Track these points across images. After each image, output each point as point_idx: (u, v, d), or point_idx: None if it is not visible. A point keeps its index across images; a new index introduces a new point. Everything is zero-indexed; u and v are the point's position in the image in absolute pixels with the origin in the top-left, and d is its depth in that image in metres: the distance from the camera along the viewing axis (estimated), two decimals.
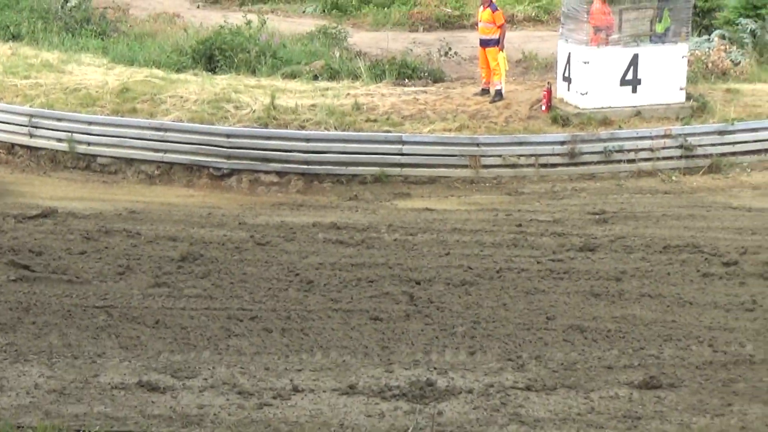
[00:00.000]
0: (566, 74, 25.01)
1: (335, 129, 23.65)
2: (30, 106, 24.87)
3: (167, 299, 16.02)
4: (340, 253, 18.27)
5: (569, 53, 24.86)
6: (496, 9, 25.27)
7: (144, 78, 26.08)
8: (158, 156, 23.41)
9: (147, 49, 29.22)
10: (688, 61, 25.42)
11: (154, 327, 14.97)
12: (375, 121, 24.04)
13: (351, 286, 16.62)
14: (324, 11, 36.52)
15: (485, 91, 25.41)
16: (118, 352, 14.17)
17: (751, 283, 16.84)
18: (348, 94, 25.45)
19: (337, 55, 28.79)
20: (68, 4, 32.57)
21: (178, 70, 27.36)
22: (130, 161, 23.62)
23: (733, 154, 23.99)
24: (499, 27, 24.96)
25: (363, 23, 35.03)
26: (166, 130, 23.45)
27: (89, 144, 23.86)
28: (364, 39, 31.79)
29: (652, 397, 12.99)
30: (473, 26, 29.85)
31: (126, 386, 13.13)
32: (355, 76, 27.02)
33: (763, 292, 16.43)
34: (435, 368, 13.67)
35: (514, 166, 23.18)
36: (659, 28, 24.98)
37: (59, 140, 23.94)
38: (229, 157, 23.10)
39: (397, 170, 23.03)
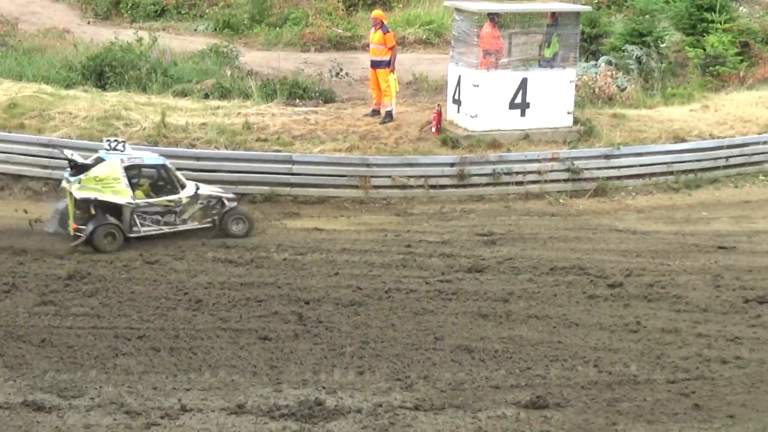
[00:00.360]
0: (456, 97, 25.22)
1: (225, 148, 23.54)
2: None
3: (54, 318, 15.84)
4: (229, 273, 18.23)
5: (459, 76, 25.07)
6: (388, 31, 25.39)
7: (32, 93, 25.65)
8: (46, 172, 23.04)
9: (36, 65, 28.76)
10: (576, 85, 25.81)
11: (40, 346, 14.80)
12: (265, 140, 23.97)
13: (240, 305, 16.59)
14: (216, 30, 36.28)
15: (376, 112, 25.50)
16: (2, 371, 13.98)
17: (635, 305, 17.18)
18: (239, 113, 25.34)
19: (229, 73, 28.67)
20: None
21: (68, 86, 26.98)
22: (17, 177, 23.21)
23: (619, 177, 24.41)
24: (390, 49, 25.08)
25: (255, 42, 34.89)
26: (54, 146, 23.11)
27: None
28: (255, 58, 31.70)
29: (539, 417, 13.17)
30: (365, 47, 29.92)
31: (11, 406, 12.96)
32: (246, 95, 26.91)
33: (647, 313, 16.77)
34: (324, 388, 13.73)
35: (403, 187, 23.28)
36: (548, 53, 25.35)
37: None
38: None
39: (287, 190, 22.97)
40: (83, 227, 19.62)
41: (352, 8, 37.12)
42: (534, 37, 25.55)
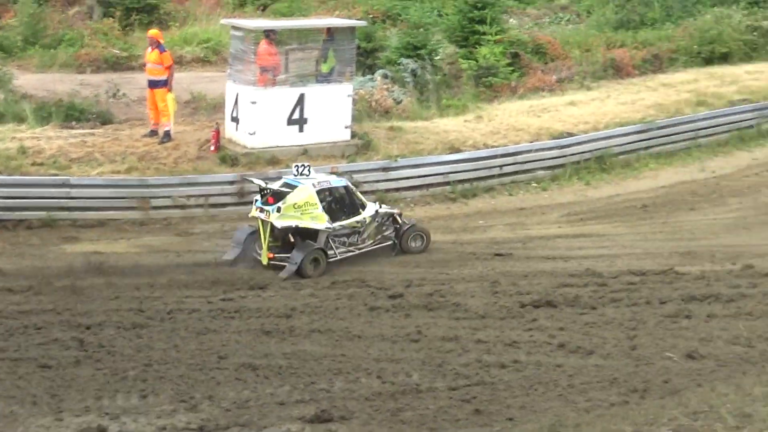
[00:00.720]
0: (234, 114, 25.22)
1: (0, 173, 23.01)
2: None
3: None
4: (7, 301, 17.79)
5: (237, 94, 25.09)
6: (164, 50, 25.27)
7: None
8: None
9: None
10: (353, 100, 26.10)
11: None
12: (42, 164, 23.51)
13: (18, 334, 16.21)
14: None
15: (154, 133, 25.30)
16: None
17: (415, 315, 17.45)
18: (13, 137, 24.76)
19: (2, 97, 28.01)
20: None
21: None
22: None
23: (397, 189, 24.83)
24: (167, 68, 24.98)
25: (29, 65, 34.12)
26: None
27: None
28: (30, 81, 31.02)
29: (324, 431, 13.24)
30: (142, 67, 29.61)
31: None
32: (20, 119, 26.30)
33: (428, 323, 17.04)
34: (107, 414, 13.51)
35: (183, 206, 23.17)
36: (324, 68, 25.58)
37: None
38: None
39: (65, 214, 22.59)
40: (285, 255, 19.75)
41: (128, 28, 36.67)
42: (310, 52, 25.75)
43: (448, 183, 25.42)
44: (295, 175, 20.33)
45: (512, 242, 22.19)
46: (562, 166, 27.16)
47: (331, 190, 20.74)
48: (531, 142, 27.15)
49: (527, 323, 17.15)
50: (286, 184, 20.19)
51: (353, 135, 25.59)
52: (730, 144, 30.16)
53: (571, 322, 17.22)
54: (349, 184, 21.10)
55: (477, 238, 22.48)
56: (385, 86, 29.12)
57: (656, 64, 34.70)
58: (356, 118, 26.26)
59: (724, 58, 35.96)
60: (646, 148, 28.85)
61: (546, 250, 21.58)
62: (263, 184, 20.27)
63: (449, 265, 20.27)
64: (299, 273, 19.47)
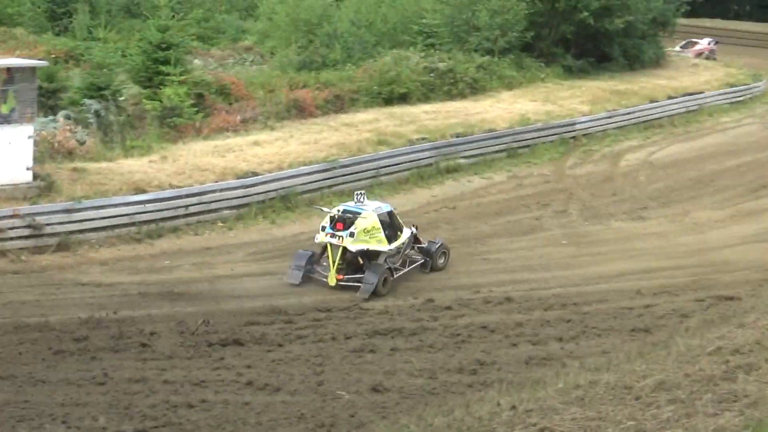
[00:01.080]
0: None
1: None
2: None
3: None
4: None
5: None
6: None
7: None
8: None
9: None
10: (35, 141, 25.56)
11: None
12: None
13: None
14: None
15: None
16: None
17: (102, 357, 17.35)
18: None
19: None
20: None
21: None
22: None
23: (82, 231, 24.32)
24: None
25: None
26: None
27: None
28: None
29: None
30: None
31: None
32: None
33: (114, 365, 16.99)
34: None
35: None
36: (4, 108, 24.97)
37: None
38: None
39: None
40: (355, 276, 21.66)
41: None
42: None
43: (133, 224, 25.15)
44: (356, 203, 22.40)
45: (199, 281, 22.24)
46: (247, 205, 27.29)
47: (383, 215, 22.62)
48: (216, 182, 27.21)
49: (215, 362, 17.34)
50: (346, 211, 22.19)
51: (35, 176, 25.04)
52: (410, 181, 31.14)
53: (258, 359, 17.49)
54: (392, 209, 23.19)
55: (163, 278, 22.39)
56: (67, 127, 28.65)
57: (338, 104, 35.49)
58: (38, 160, 25.70)
59: (403, 99, 37.17)
60: (330, 186, 29.41)
61: (232, 288, 21.74)
62: (334, 212, 22.18)
63: (135, 306, 20.14)
64: (373, 292, 21.28)
